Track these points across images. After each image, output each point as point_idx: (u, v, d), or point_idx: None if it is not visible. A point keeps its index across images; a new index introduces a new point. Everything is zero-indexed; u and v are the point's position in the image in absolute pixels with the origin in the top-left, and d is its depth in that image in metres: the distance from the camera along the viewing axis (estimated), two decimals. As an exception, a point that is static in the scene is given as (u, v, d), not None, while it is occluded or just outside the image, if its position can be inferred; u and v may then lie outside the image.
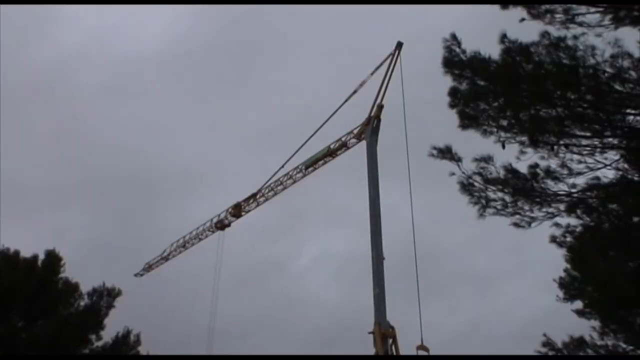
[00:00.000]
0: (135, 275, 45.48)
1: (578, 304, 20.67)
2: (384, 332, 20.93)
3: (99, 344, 27.63)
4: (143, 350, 32.65)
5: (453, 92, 15.31)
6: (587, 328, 19.92)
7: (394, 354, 21.05)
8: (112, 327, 28.11)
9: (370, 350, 21.32)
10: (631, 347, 19.24)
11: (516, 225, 15.95)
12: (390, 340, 21.08)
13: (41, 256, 27.74)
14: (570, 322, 21.10)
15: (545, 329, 21.17)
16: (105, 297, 28.06)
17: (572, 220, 16.59)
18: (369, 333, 21.40)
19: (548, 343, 20.20)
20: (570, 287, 20.84)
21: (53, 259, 27.79)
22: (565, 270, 20.97)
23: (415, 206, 23.54)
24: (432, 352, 21.35)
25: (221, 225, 35.93)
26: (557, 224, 16.76)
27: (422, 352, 21.37)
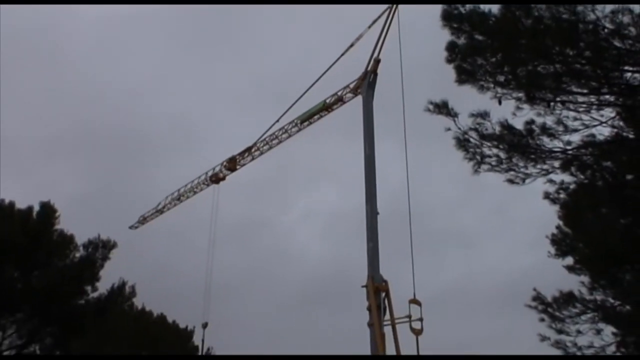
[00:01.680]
0: (130, 227, 45.64)
1: (569, 260, 20.91)
2: (377, 285, 21.10)
3: (95, 295, 27.96)
4: (138, 301, 33.05)
5: (451, 47, 15.18)
6: (574, 284, 20.20)
7: (387, 307, 21.30)
8: (107, 278, 28.40)
9: (361, 303, 21.54)
10: (619, 303, 19.55)
11: (510, 181, 16.02)
12: (383, 294, 21.30)
13: (36, 208, 27.83)
14: (555, 279, 21.45)
15: (531, 285, 21.51)
16: (101, 249, 28.25)
17: (566, 177, 16.69)
18: (362, 287, 21.59)
19: (538, 297, 20.48)
20: (562, 244, 21.04)
21: (48, 211, 27.86)
22: (558, 227, 21.14)
23: (403, 163, 23.56)
24: (423, 307, 21.63)
25: (216, 178, 35.89)
26: (551, 181, 16.86)
27: (414, 306, 21.63)
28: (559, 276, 21.53)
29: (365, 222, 22.34)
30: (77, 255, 28.08)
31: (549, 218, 21.74)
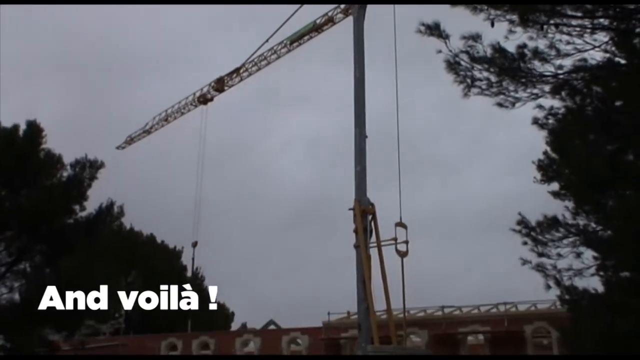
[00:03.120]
0: (117, 147, 45.47)
1: (554, 187, 21.11)
2: (364, 208, 21.34)
3: (83, 214, 28.03)
4: (126, 221, 33.26)
5: (445, -34, 14.78)
6: (556, 209, 20.46)
7: (373, 229, 21.62)
8: (95, 199, 28.42)
9: (347, 226, 21.83)
10: (600, 227, 19.84)
11: (500, 105, 15.99)
12: (370, 217, 21.57)
13: (22, 127, 27.51)
14: (534, 205, 21.81)
15: (509, 211, 21.83)
16: (88, 168, 28.11)
17: (556, 103, 16.67)
18: (350, 209, 21.81)
19: (522, 221, 20.76)
20: (548, 170, 21.17)
21: (34, 130, 27.57)
22: (545, 153, 21.23)
23: (383, 89, 23.40)
24: (408, 230, 21.98)
25: (204, 99, 35.64)
26: (540, 106, 16.82)
27: (400, 229, 21.99)
28: (538, 202, 21.90)
29: (353, 146, 22.36)
30: (65, 174, 27.98)
31: (529, 145, 21.96)
